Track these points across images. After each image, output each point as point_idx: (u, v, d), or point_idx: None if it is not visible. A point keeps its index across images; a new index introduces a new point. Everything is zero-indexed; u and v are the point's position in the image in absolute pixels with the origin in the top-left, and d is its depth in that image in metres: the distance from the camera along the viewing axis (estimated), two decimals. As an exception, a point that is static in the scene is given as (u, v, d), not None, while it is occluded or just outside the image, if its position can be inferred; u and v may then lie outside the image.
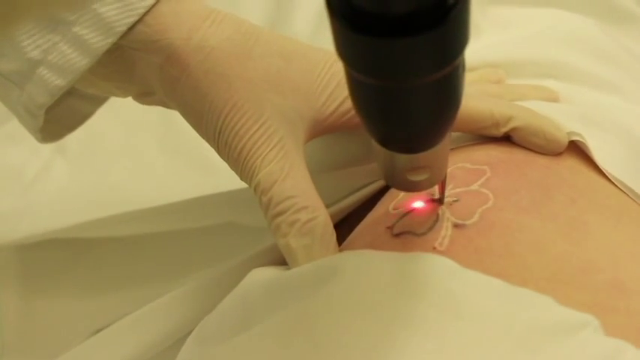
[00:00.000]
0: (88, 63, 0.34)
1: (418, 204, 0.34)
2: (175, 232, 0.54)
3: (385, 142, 0.27)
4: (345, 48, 0.22)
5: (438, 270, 0.29)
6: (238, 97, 0.35)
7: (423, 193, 0.34)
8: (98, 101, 0.43)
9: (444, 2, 0.21)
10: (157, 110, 0.42)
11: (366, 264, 0.29)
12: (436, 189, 0.33)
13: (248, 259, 0.43)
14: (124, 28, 0.34)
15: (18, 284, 0.57)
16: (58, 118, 0.41)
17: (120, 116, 0.59)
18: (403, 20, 0.20)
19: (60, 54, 0.34)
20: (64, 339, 0.53)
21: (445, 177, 0.32)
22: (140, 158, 0.58)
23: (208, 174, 0.53)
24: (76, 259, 0.57)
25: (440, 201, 0.33)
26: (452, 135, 0.38)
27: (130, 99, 0.40)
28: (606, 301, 0.30)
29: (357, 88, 0.25)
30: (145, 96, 0.39)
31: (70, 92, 0.41)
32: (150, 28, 0.35)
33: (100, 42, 0.34)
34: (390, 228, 0.34)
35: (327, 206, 0.36)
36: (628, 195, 0.36)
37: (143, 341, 0.42)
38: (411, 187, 0.30)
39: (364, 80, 0.23)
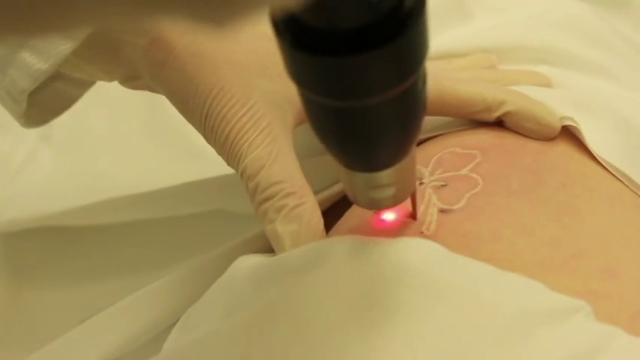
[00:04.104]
0: (71, 46, 0.34)
1: (389, 216, 0.32)
2: (163, 219, 0.54)
3: (344, 161, 0.26)
4: (294, 67, 0.21)
5: (425, 255, 0.28)
6: (225, 80, 0.34)
7: None
8: (85, 85, 0.42)
9: (399, 12, 0.19)
10: (143, 96, 0.41)
11: (353, 249, 0.29)
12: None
13: (235, 247, 0.43)
14: None
15: (5, 274, 0.56)
16: (44, 102, 0.40)
17: (105, 102, 0.58)
18: (354, 36, 0.19)
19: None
20: (52, 329, 0.52)
21: (415, 192, 0.30)
22: (126, 145, 0.57)
23: (195, 160, 0.52)
24: (64, 249, 0.56)
25: (413, 216, 0.32)
26: (443, 119, 0.38)
27: (115, 85, 0.40)
28: (598, 287, 0.29)
29: (310, 107, 0.23)
30: (131, 80, 0.38)
31: (55, 76, 0.40)
32: None
33: None
34: (377, 213, 0.33)
35: (317, 192, 0.36)
36: (621, 181, 0.35)
37: (129, 330, 0.42)
38: (376, 206, 0.29)
39: (317, 100, 0.22)
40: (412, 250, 0.28)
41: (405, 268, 0.28)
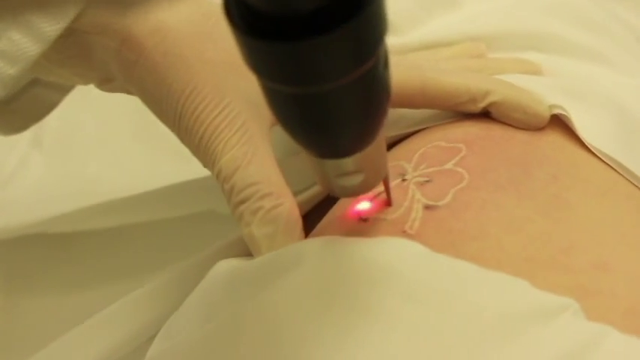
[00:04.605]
0: (39, 50, 0.33)
1: (364, 205, 0.32)
2: (156, 222, 0.53)
3: (310, 148, 0.25)
4: (249, 55, 0.20)
5: (404, 255, 0.27)
6: (198, 79, 0.33)
7: (393, 175, 0.32)
8: (64, 89, 0.42)
9: None
10: (131, 98, 0.41)
11: (328, 251, 0.27)
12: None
13: (218, 251, 0.42)
14: (75, 12, 0.32)
15: (1, 282, 0.55)
16: (24, 108, 0.40)
17: (94, 106, 0.57)
18: (308, 19, 0.18)
19: (9, 41, 0.33)
20: (48, 336, 0.52)
21: (387, 178, 0.30)
22: (116, 147, 0.56)
23: (185, 160, 0.51)
24: (59, 255, 0.56)
25: (387, 203, 0.31)
26: (428, 112, 0.37)
27: None
28: (589, 283, 0.28)
29: (269, 95, 0.22)
30: (106, 82, 0.37)
31: (34, 81, 0.39)
32: (103, 10, 0.33)
33: (51, 27, 0.32)
34: (352, 204, 0.32)
35: (302, 191, 0.35)
36: (615, 170, 0.34)
37: (112, 340, 0.41)
38: (346, 193, 0.28)
39: (275, 87, 0.21)
40: (390, 250, 0.27)
41: (382, 270, 0.26)
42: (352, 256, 0.27)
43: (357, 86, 0.21)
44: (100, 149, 0.57)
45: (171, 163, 0.54)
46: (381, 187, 0.31)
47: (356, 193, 0.28)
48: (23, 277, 0.55)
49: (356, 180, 0.27)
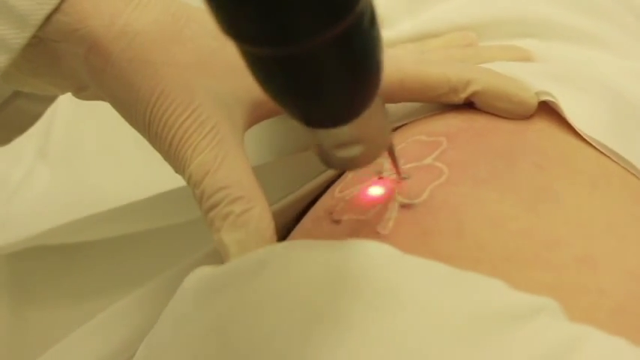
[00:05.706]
0: (6, 60, 0.32)
1: (376, 190, 0.30)
2: (158, 229, 0.52)
3: (299, 117, 0.23)
4: (221, 17, 0.19)
5: (372, 258, 0.25)
6: (165, 83, 0.32)
7: (369, 172, 0.31)
8: (46, 100, 0.41)
9: None
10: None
11: (293, 256, 0.26)
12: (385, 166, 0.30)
13: (204, 257, 0.41)
14: (39, 20, 0.32)
15: (7, 295, 0.55)
16: (7, 121, 0.39)
17: (98, 114, 0.57)
18: None
19: None
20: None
21: (392, 148, 0.28)
22: (118, 156, 0.56)
23: None
24: (65, 266, 0.56)
25: (398, 174, 0.30)
26: (411, 106, 0.35)
27: None
28: (573, 279, 0.26)
29: (249, 61, 0.21)
30: (81, 91, 0.36)
31: (16, 94, 0.39)
32: (69, 16, 0.32)
33: (17, 37, 0.32)
34: (331, 213, 0.30)
35: (285, 196, 0.33)
36: (609, 158, 0.32)
37: (101, 351, 0.40)
38: (345, 166, 0.26)
39: (257, 52, 0.20)
40: (357, 254, 0.26)
41: (347, 275, 0.25)
42: (317, 261, 0.26)
43: (339, 45, 0.20)
44: (102, 157, 0.57)
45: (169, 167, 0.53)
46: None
47: (356, 165, 0.26)
48: (28, 290, 0.55)
49: (354, 151, 0.25)
